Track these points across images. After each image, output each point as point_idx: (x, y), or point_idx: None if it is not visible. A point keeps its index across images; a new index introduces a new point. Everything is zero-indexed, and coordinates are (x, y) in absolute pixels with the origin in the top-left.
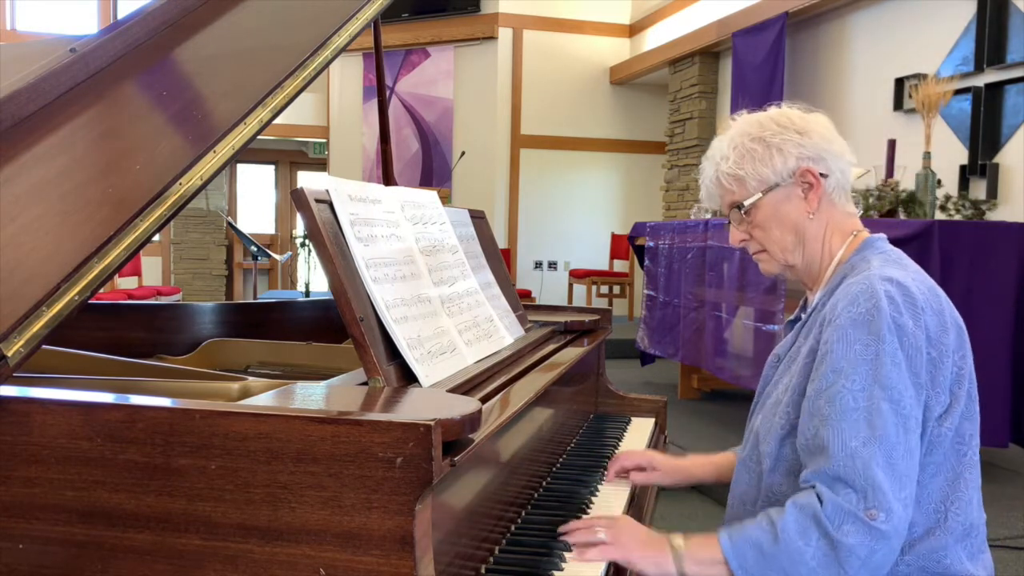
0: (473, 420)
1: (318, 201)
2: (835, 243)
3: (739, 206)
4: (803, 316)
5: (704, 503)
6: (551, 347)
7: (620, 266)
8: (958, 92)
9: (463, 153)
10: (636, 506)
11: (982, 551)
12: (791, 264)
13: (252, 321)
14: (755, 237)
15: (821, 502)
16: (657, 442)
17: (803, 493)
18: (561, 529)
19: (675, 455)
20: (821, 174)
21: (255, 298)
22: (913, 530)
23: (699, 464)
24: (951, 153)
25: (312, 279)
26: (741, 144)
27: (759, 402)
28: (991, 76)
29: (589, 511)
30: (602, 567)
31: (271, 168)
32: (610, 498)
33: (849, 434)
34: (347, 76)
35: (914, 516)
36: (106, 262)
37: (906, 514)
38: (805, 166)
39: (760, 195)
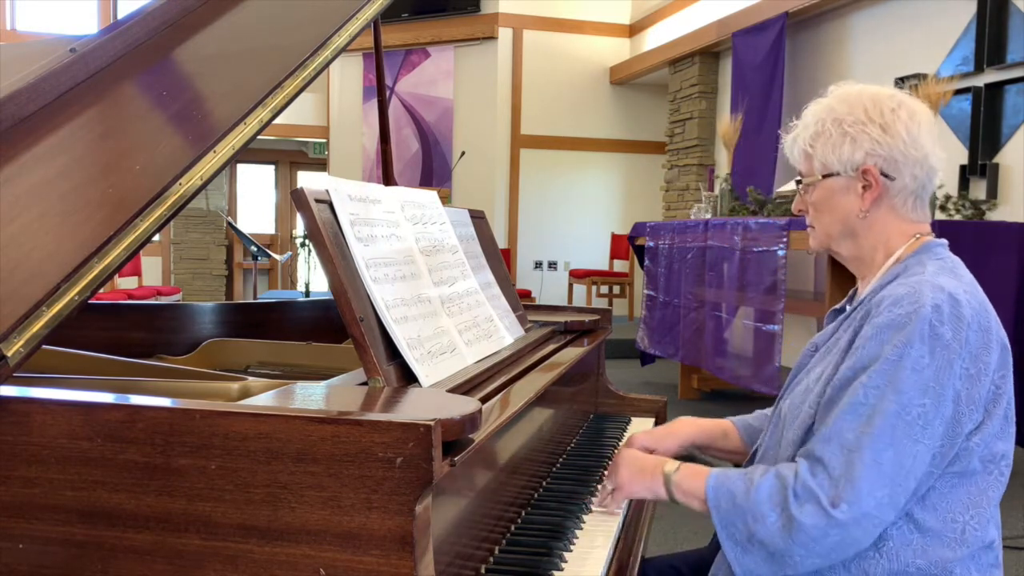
0: (473, 420)
1: (318, 201)
2: (894, 243)
3: (800, 180)
4: (848, 308)
5: None
6: (551, 347)
7: (620, 266)
8: (958, 92)
9: (463, 153)
10: (637, 503)
11: (995, 566)
12: (835, 251)
13: (252, 321)
14: (809, 213)
15: (796, 477)
16: None
17: (789, 464)
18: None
19: (663, 426)
20: (886, 175)
21: (255, 298)
22: (927, 537)
23: (696, 425)
24: (951, 153)
25: (312, 279)
26: (823, 121)
27: (789, 387)
28: (991, 76)
29: (590, 510)
30: (602, 567)
31: (271, 168)
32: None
33: (848, 425)
34: (347, 76)
35: (927, 519)
36: (106, 262)
37: (880, 512)
38: (869, 165)
39: (819, 177)
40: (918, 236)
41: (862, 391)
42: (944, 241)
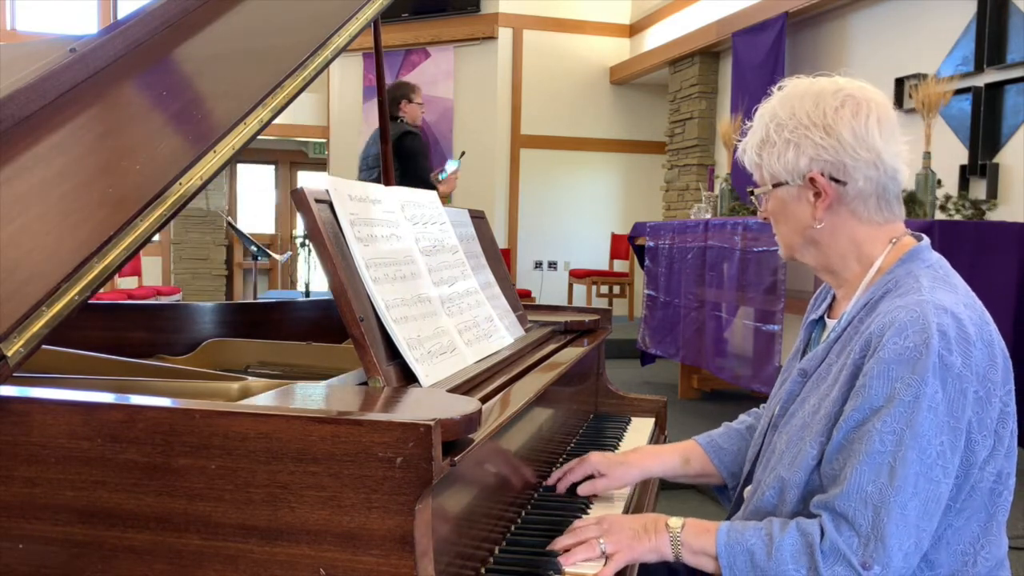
0: (473, 420)
1: (318, 201)
2: (869, 249)
3: (751, 191)
4: (826, 316)
5: (704, 503)
6: (551, 347)
7: (620, 266)
8: (958, 92)
9: (463, 153)
10: (636, 506)
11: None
12: (801, 261)
13: (252, 321)
14: (771, 222)
15: (822, 535)
16: (657, 442)
17: (810, 520)
18: (555, 548)
19: (620, 454)
20: (836, 180)
21: (255, 298)
22: (937, 571)
23: (654, 456)
24: (951, 153)
25: (312, 279)
26: (766, 127)
27: (784, 419)
28: (991, 76)
29: (589, 511)
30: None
31: (271, 168)
32: (612, 498)
33: (868, 476)
34: (347, 76)
35: (940, 557)
36: (106, 262)
37: (906, 563)
38: (814, 172)
39: (770, 187)
40: (894, 240)
41: (878, 438)
42: (926, 241)
